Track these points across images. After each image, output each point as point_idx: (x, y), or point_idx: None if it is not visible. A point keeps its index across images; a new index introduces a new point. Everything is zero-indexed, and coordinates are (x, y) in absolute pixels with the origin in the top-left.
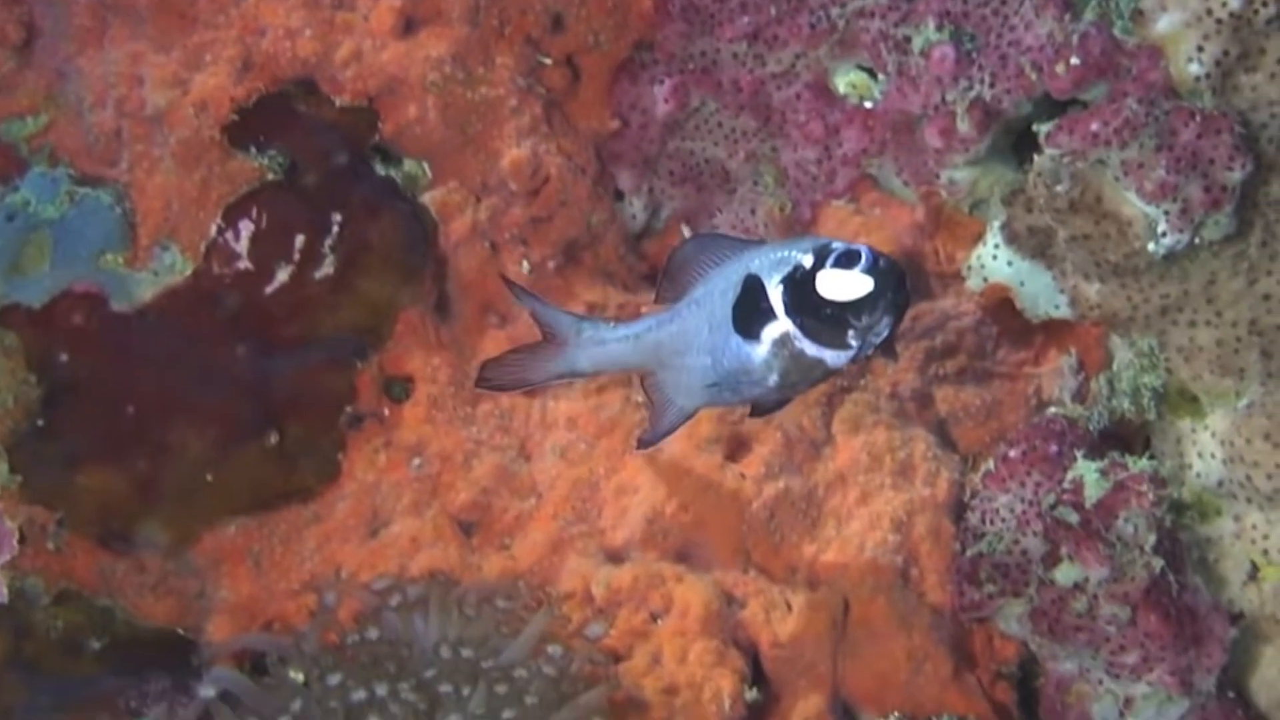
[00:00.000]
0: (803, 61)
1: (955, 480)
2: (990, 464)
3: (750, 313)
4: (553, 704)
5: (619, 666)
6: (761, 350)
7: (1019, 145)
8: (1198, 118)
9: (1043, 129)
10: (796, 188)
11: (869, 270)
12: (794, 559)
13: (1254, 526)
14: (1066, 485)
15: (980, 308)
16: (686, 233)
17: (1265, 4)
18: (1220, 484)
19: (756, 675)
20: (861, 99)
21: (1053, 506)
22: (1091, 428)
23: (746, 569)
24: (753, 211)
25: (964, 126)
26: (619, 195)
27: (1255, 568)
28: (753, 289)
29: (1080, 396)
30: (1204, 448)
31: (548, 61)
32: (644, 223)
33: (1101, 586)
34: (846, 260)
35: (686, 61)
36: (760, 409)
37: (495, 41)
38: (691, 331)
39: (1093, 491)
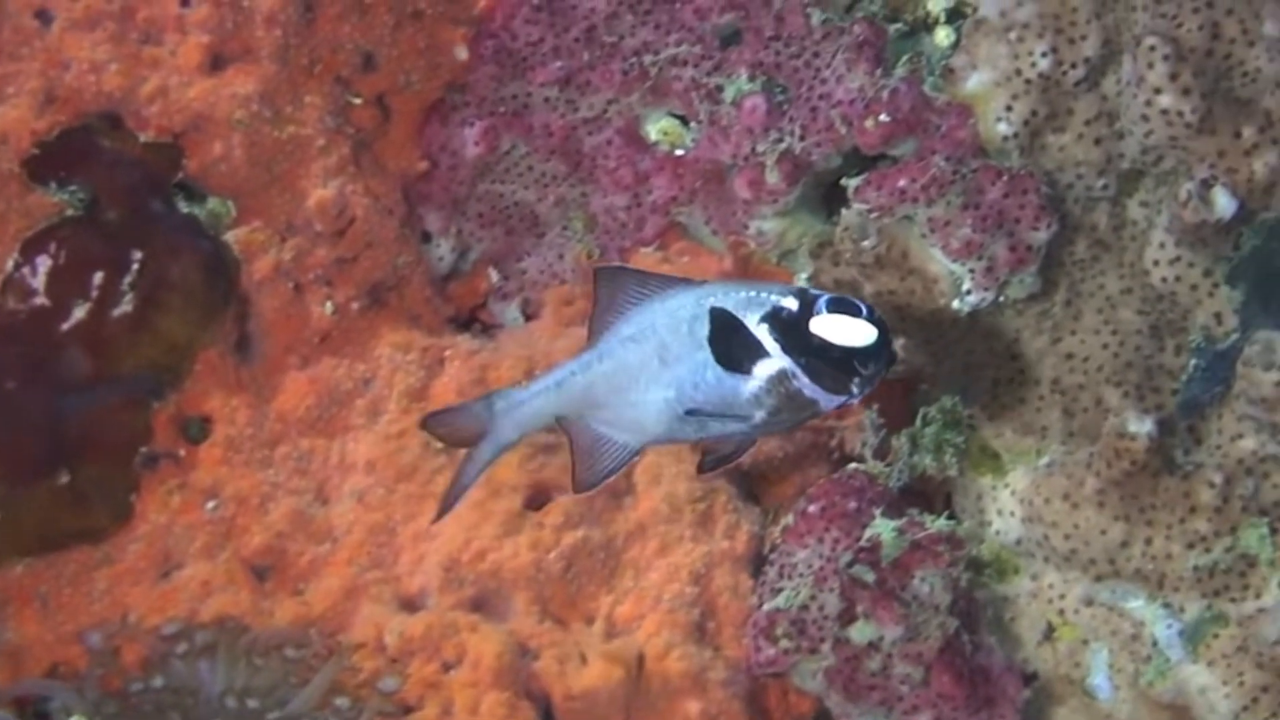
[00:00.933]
0: (615, 108)
1: (755, 534)
2: (790, 519)
3: (734, 347)
4: None
5: (410, 717)
6: (753, 385)
7: (829, 197)
8: (1005, 177)
9: (851, 183)
10: (605, 234)
11: (871, 319)
12: (591, 610)
13: (1050, 586)
14: (864, 543)
15: None
16: (495, 277)
17: (1074, 66)
18: (1019, 542)
19: None
20: (673, 147)
21: (849, 564)
22: (892, 484)
23: (543, 619)
24: (560, 256)
25: (773, 178)
26: (426, 237)
27: (1051, 627)
28: (730, 324)
29: (881, 452)
30: (1004, 506)
31: (357, 101)
32: (451, 264)
33: (896, 646)
34: (845, 308)
35: (498, 104)
36: (720, 453)
37: (304, 80)
38: (634, 368)
39: (890, 550)
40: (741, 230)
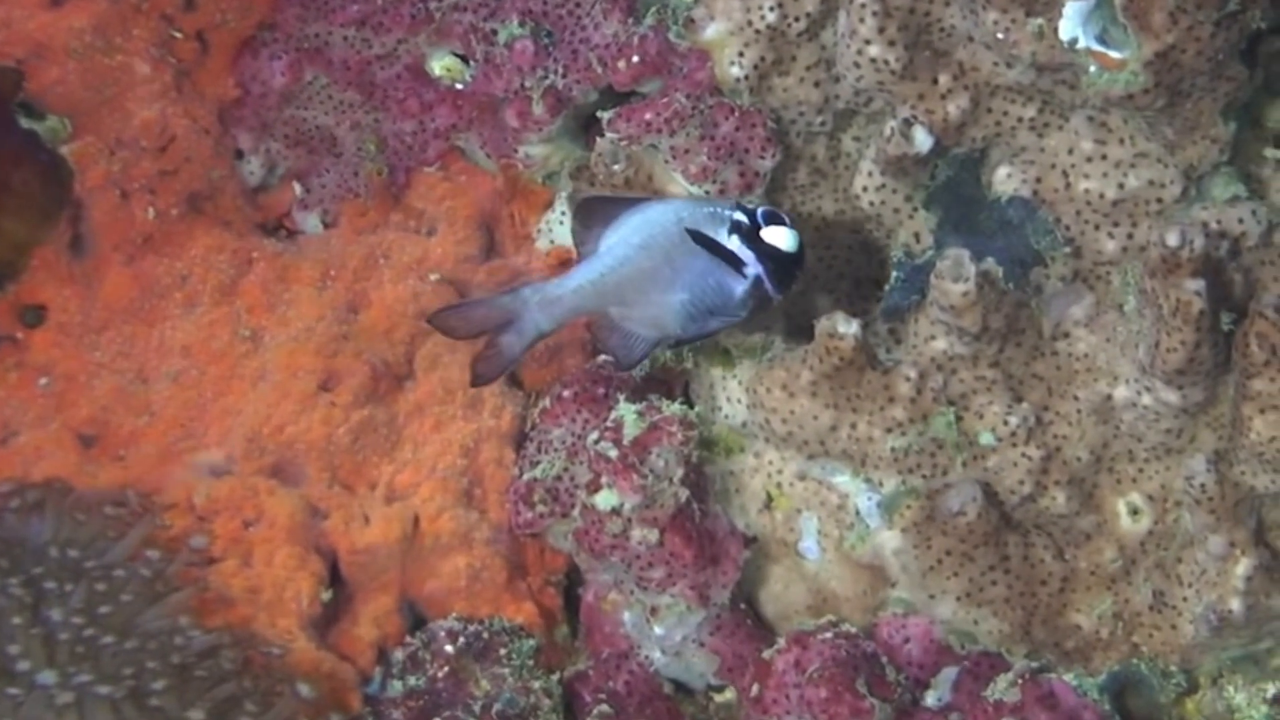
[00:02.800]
0: (404, 46)
1: (518, 414)
2: (547, 401)
3: (728, 261)
4: (146, 602)
5: (213, 567)
6: (741, 287)
7: (587, 127)
8: (736, 113)
9: (605, 115)
10: (394, 155)
11: (792, 226)
12: (374, 477)
13: (770, 463)
14: (609, 424)
15: (548, 266)
16: (298, 190)
17: (797, 19)
18: (744, 425)
19: (336, 579)
20: (454, 81)
21: (596, 441)
22: (635, 374)
23: (332, 485)
24: (355, 174)
25: (539, 110)
26: (239, 154)
27: (769, 498)
28: (710, 240)
29: None
30: (732, 394)
31: (179, 35)
32: (261, 179)
33: (635, 512)
34: (775, 219)
35: (302, 41)
36: (684, 340)
37: (133, 16)
38: (652, 272)
39: (630, 430)
40: (511, 154)
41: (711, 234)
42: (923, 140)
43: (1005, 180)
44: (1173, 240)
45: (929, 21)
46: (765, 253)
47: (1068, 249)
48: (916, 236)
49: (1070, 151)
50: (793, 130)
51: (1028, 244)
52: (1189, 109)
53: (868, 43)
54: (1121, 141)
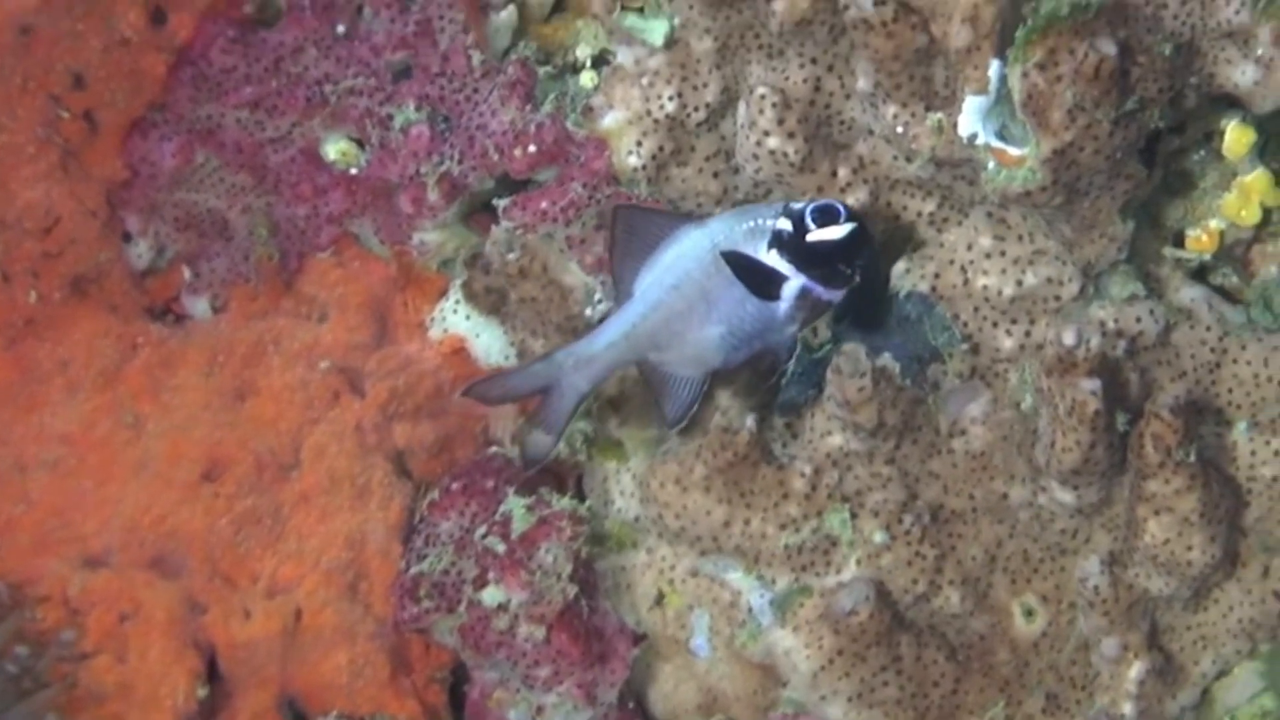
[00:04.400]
0: (298, 130)
1: (407, 506)
2: (436, 493)
3: (760, 280)
4: (13, 699)
5: (84, 664)
6: (784, 306)
7: (484, 214)
8: (634, 202)
9: (500, 203)
10: (286, 239)
11: (848, 218)
12: (256, 570)
13: (663, 558)
14: (497, 518)
15: (440, 355)
16: (187, 274)
17: (697, 109)
18: (637, 520)
19: (214, 674)
20: (348, 166)
21: (484, 536)
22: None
23: (212, 578)
24: (246, 258)
25: (433, 196)
26: (127, 237)
27: (661, 594)
28: (746, 261)
29: (519, 438)
30: (625, 487)
31: (66, 115)
32: (149, 261)
33: (522, 608)
34: (826, 216)
35: (194, 123)
36: (769, 369)
37: (18, 95)
38: (687, 312)
39: (519, 525)
40: (405, 241)
41: (751, 251)
42: None
43: (904, 275)
44: (1069, 339)
45: (829, 114)
46: (811, 257)
47: (965, 346)
48: (814, 330)
49: (969, 247)
50: None
51: (925, 340)
52: (1087, 207)
53: (767, 134)
54: (1020, 238)
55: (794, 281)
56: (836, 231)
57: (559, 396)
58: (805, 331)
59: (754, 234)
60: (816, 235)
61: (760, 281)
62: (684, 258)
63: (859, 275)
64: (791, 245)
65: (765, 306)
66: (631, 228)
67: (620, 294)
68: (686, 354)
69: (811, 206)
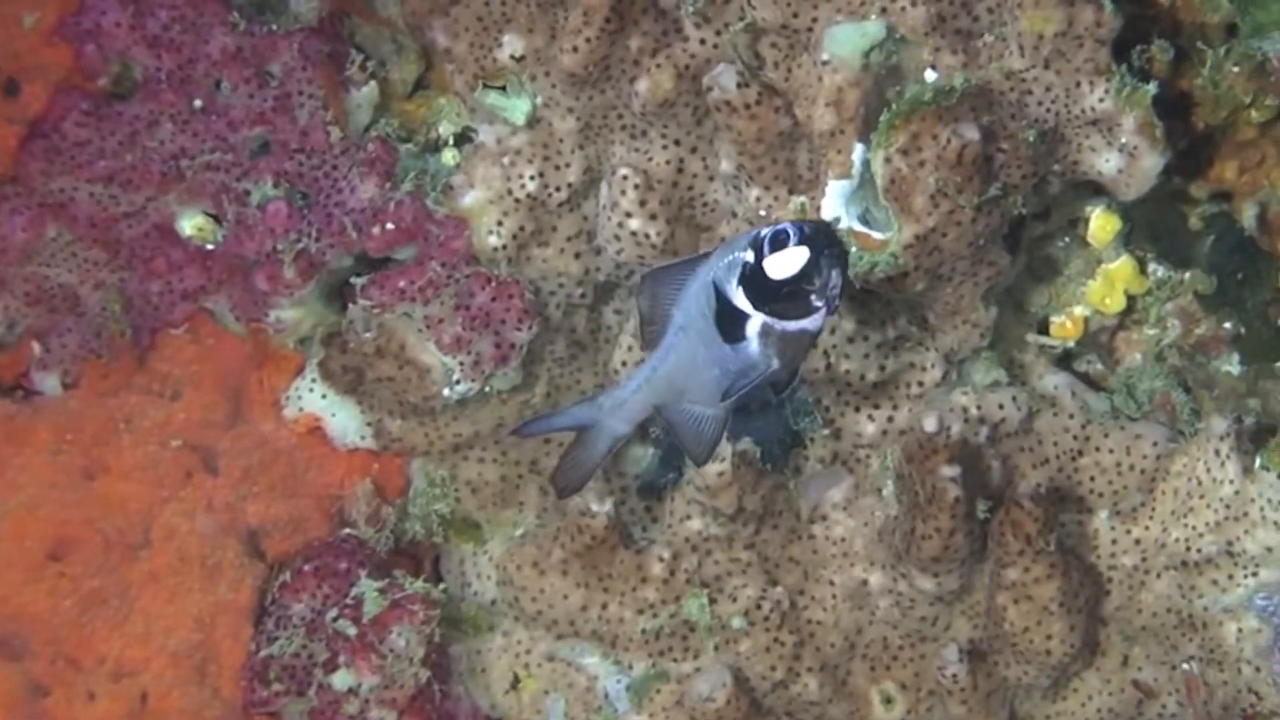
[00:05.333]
0: (153, 204)
1: (258, 587)
2: (288, 575)
3: (729, 319)
4: None
5: None
6: (754, 346)
7: (342, 292)
8: (493, 283)
9: (358, 282)
10: (139, 315)
11: (800, 241)
12: (102, 652)
13: (519, 642)
14: (349, 600)
15: (295, 434)
16: (37, 350)
17: (558, 189)
18: (494, 603)
19: None
20: (204, 242)
21: (335, 619)
22: (379, 549)
23: (56, 660)
24: (98, 334)
25: (290, 274)
26: None
27: (516, 678)
28: (721, 298)
29: (374, 520)
30: (482, 570)
31: None
32: None
33: (373, 693)
34: (779, 242)
35: (46, 196)
36: (779, 388)
37: None
38: (692, 353)
39: (371, 608)
40: (261, 318)
41: (729, 286)
42: None
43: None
44: (930, 426)
45: (692, 196)
46: (771, 293)
47: (827, 431)
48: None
49: (832, 331)
50: (552, 302)
51: (787, 424)
52: (950, 293)
53: (629, 215)
54: (883, 323)
55: (754, 319)
56: (785, 259)
57: (596, 437)
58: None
59: (731, 269)
60: (772, 265)
61: (727, 323)
62: (689, 297)
63: (831, 299)
64: (752, 280)
65: (739, 349)
66: (655, 291)
67: (648, 342)
68: (702, 395)
69: (771, 232)
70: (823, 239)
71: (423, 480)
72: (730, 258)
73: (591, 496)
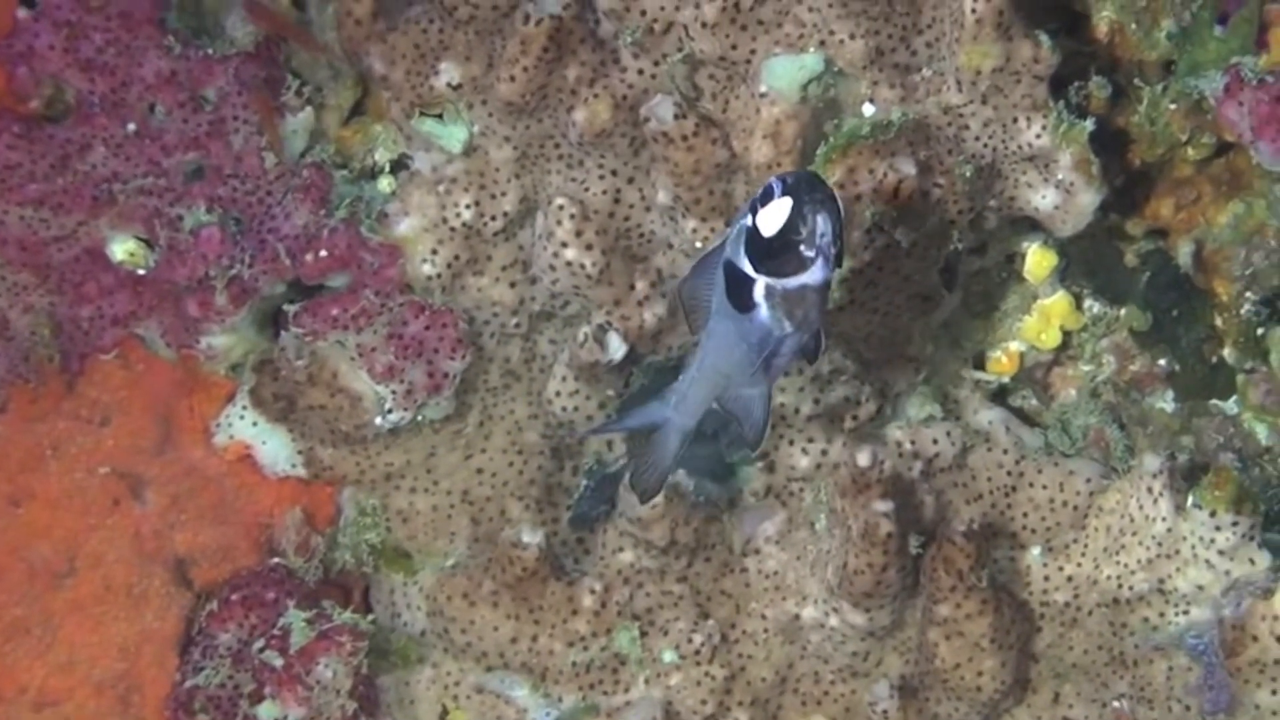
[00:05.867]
0: (84, 229)
1: (185, 616)
2: (215, 605)
3: (741, 289)
4: None
5: None
6: (763, 312)
7: (275, 318)
8: (427, 311)
9: (290, 309)
10: (69, 341)
11: (784, 193)
12: (25, 681)
13: (448, 674)
14: (276, 630)
15: (225, 461)
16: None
17: (494, 218)
18: (423, 634)
19: None
20: (136, 267)
21: (262, 649)
22: (308, 578)
23: None
24: (26, 359)
25: (222, 300)
26: None
27: (445, 710)
28: (733, 269)
29: (303, 549)
30: (412, 600)
31: None
32: None
33: None
34: (766, 196)
35: None
36: (810, 357)
37: None
38: (724, 337)
39: (298, 638)
40: (193, 344)
41: (737, 255)
42: (616, 347)
43: None
44: (863, 460)
45: (628, 226)
46: (766, 250)
47: (761, 464)
48: (609, 444)
49: None
50: (486, 331)
51: (721, 457)
52: (885, 327)
53: (565, 245)
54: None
55: (757, 285)
56: (772, 213)
57: (666, 435)
58: (600, 445)
59: (739, 237)
60: (763, 222)
61: (739, 294)
62: (717, 284)
63: (824, 248)
64: (751, 241)
65: (752, 321)
66: (695, 281)
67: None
68: (740, 379)
69: (761, 190)
70: (805, 186)
71: (353, 509)
72: (739, 225)
73: (523, 527)
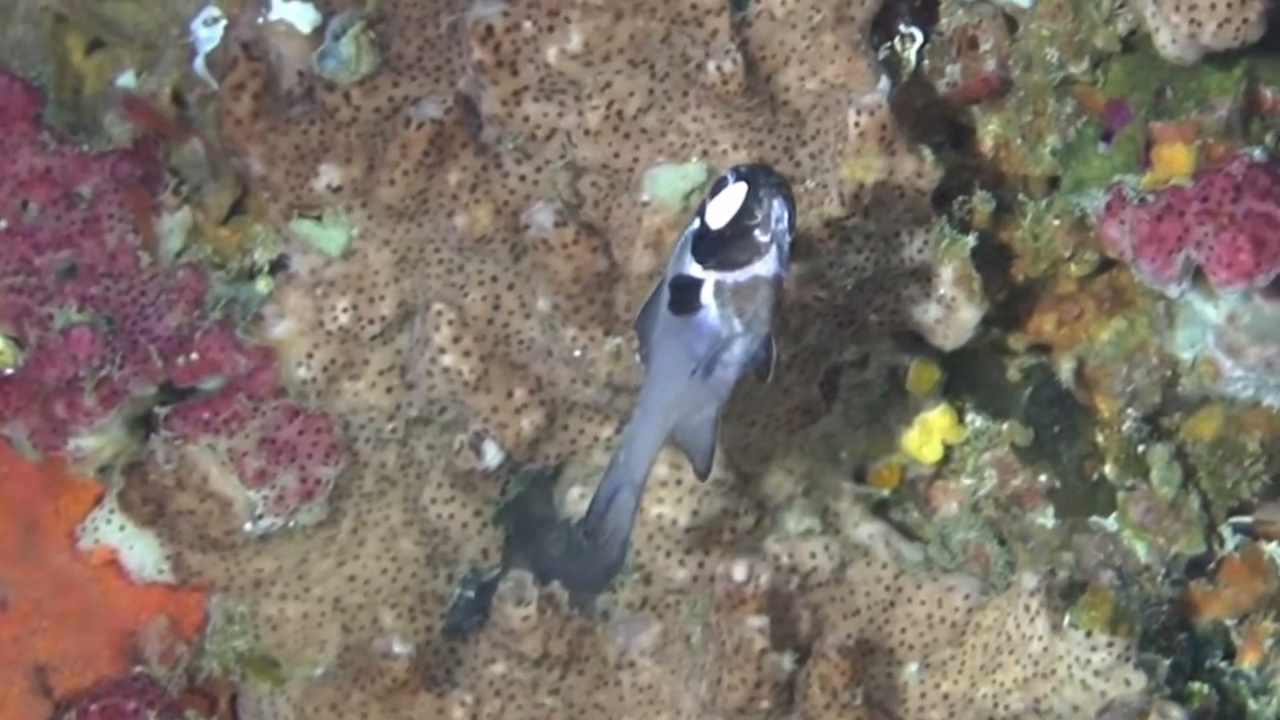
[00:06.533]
0: None
1: None
2: (73, 714)
3: (685, 296)
4: None
5: None
6: (711, 313)
7: (145, 421)
8: (301, 416)
9: (161, 412)
10: None
11: (737, 179)
12: None
13: None
14: None
15: (91, 566)
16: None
17: (371, 322)
18: None
19: None
20: (4, 366)
21: None
22: (172, 687)
23: None
24: None
25: (90, 401)
26: None
27: None
28: (678, 284)
29: (167, 657)
30: (279, 711)
31: None
32: None
33: None
34: (717, 189)
35: None
36: (760, 370)
37: None
38: (665, 365)
39: None
40: (60, 446)
41: (682, 265)
42: (493, 455)
43: (578, 501)
44: (739, 574)
45: (507, 333)
46: (716, 244)
47: (637, 575)
48: (484, 553)
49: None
50: (361, 436)
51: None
52: (764, 439)
53: (442, 351)
54: None
55: (706, 284)
56: (724, 202)
57: (621, 497)
58: (475, 554)
59: (684, 248)
60: (712, 215)
61: (683, 301)
62: (662, 304)
63: (779, 235)
64: (699, 240)
65: (696, 325)
66: (642, 327)
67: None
68: (687, 404)
69: (711, 189)
70: (761, 172)
71: (221, 616)
72: (682, 236)
73: (394, 637)
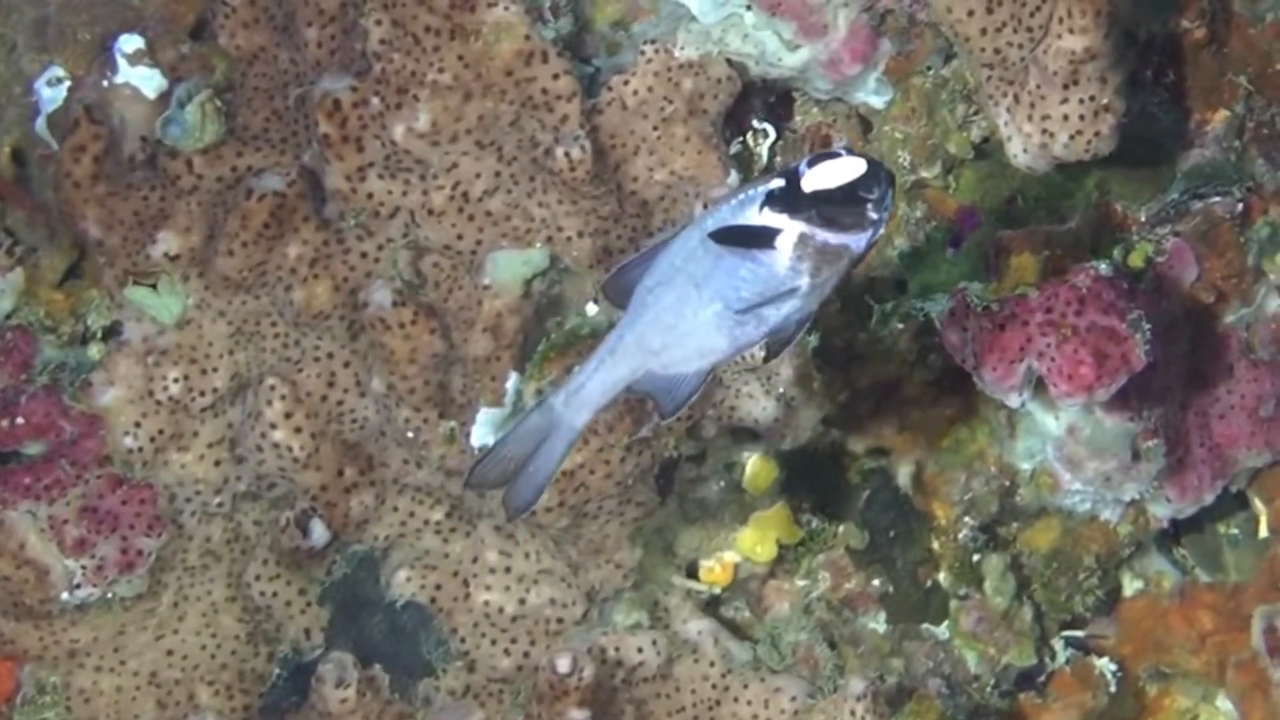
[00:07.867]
0: None
1: None
2: None
3: (750, 241)
4: None
5: None
6: (783, 256)
7: None
8: (125, 485)
9: None
10: None
11: (851, 153)
12: None
13: None
14: None
15: None
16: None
17: (203, 393)
18: None
19: None
20: None
21: None
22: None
23: None
24: None
25: None
26: None
27: None
28: (735, 230)
29: None
30: None
31: None
32: None
33: None
34: (824, 157)
35: None
36: (779, 343)
37: None
38: (675, 303)
39: None
40: None
41: (740, 221)
42: (320, 534)
43: (404, 583)
44: (563, 666)
45: (341, 411)
46: (812, 203)
47: (461, 662)
48: (307, 633)
49: (474, 560)
50: (187, 509)
51: (419, 653)
52: (595, 531)
53: (273, 426)
54: (527, 556)
55: (789, 232)
56: (836, 168)
57: (554, 441)
58: (298, 633)
59: (743, 205)
60: (813, 179)
61: (749, 242)
62: (672, 254)
63: (880, 215)
64: (785, 198)
65: (762, 264)
66: (618, 280)
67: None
68: (686, 349)
69: (806, 159)
70: (878, 160)
71: (33, 686)
72: (737, 200)
73: (209, 715)
